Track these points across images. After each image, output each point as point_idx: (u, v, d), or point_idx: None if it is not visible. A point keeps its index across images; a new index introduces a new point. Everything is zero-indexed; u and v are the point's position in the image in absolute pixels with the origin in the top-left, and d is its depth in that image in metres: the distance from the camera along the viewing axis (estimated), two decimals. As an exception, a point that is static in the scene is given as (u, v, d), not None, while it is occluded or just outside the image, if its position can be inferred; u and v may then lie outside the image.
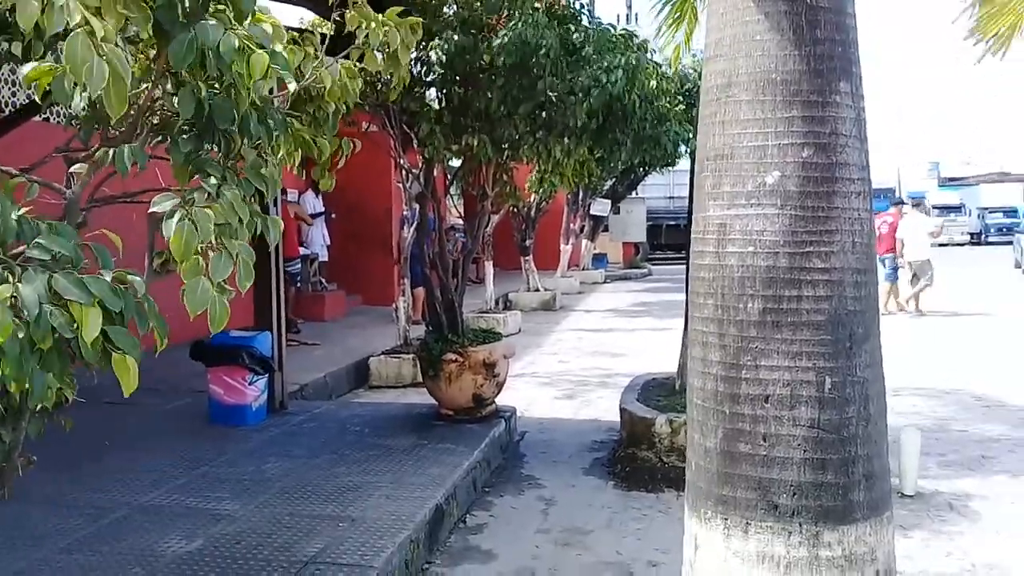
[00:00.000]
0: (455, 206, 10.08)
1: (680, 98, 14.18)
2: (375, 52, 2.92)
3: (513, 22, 5.77)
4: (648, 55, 7.26)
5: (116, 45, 1.91)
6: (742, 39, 2.63)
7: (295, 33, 2.96)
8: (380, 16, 2.91)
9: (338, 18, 2.93)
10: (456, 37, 5.87)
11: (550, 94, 6.00)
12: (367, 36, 2.86)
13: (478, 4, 6.12)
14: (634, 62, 6.10)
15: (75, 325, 1.80)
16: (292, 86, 2.49)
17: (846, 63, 2.61)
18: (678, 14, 7.64)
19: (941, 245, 37.69)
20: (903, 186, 48.73)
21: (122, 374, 1.94)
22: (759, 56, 2.59)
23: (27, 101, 7.21)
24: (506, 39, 5.70)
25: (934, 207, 41.14)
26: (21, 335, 1.72)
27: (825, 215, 2.54)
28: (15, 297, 1.72)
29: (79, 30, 1.84)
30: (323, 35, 2.95)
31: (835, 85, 2.58)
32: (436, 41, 5.91)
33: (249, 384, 6.40)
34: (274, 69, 2.29)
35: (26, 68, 2.23)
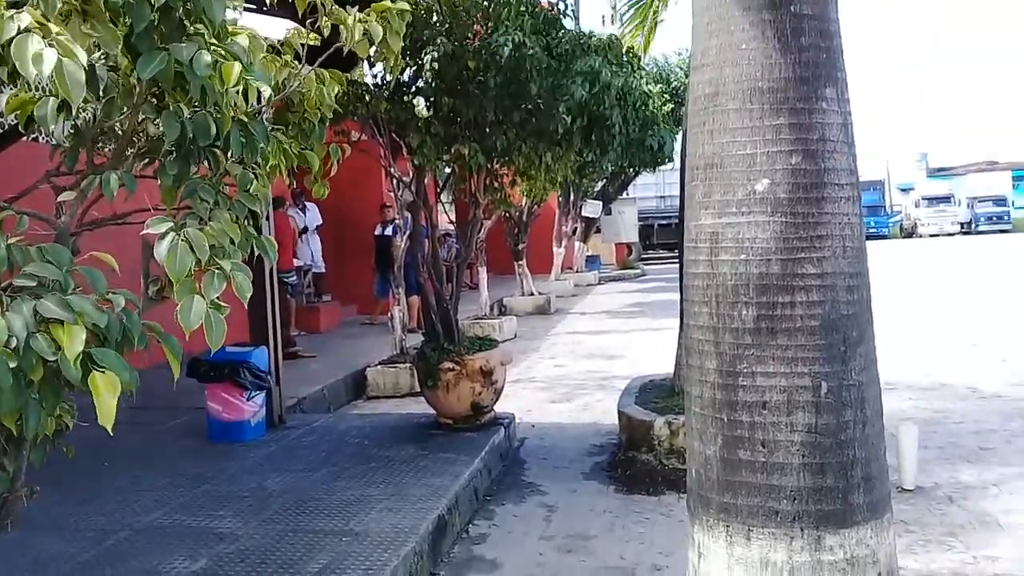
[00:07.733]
0: (447, 213, 10.10)
1: (667, 97, 14.27)
2: (365, 42, 2.86)
3: (502, 31, 5.79)
4: (621, 54, 7.29)
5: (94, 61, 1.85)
6: (728, 48, 2.65)
7: (275, 43, 2.94)
8: (358, 12, 2.87)
9: (311, 26, 2.90)
10: (444, 44, 5.88)
11: (538, 101, 6.03)
12: (347, 36, 2.83)
13: (462, 12, 6.14)
14: (597, 67, 6.14)
15: (56, 348, 1.73)
16: (267, 92, 2.46)
17: (831, 69, 2.64)
18: (639, 20, 7.67)
19: (932, 236, 38.02)
20: (892, 177, 48.91)
21: (99, 396, 1.77)
22: (745, 65, 2.62)
23: (13, 123, 7.17)
24: (499, 47, 5.71)
25: (923, 198, 41.35)
26: (13, 365, 1.70)
27: (815, 221, 2.57)
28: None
29: (29, 33, 1.82)
30: (305, 45, 2.93)
31: (821, 91, 2.60)
32: (428, 48, 5.91)
33: (247, 400, 6.39)
34: (246, 78, 2.27)
35: (4, 96, 2.21)
